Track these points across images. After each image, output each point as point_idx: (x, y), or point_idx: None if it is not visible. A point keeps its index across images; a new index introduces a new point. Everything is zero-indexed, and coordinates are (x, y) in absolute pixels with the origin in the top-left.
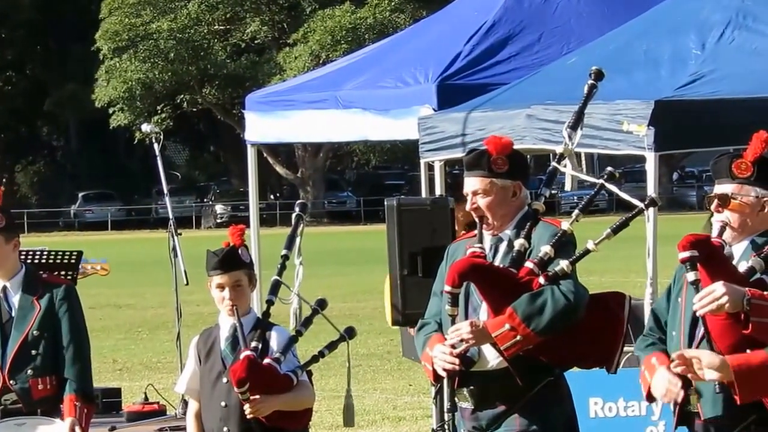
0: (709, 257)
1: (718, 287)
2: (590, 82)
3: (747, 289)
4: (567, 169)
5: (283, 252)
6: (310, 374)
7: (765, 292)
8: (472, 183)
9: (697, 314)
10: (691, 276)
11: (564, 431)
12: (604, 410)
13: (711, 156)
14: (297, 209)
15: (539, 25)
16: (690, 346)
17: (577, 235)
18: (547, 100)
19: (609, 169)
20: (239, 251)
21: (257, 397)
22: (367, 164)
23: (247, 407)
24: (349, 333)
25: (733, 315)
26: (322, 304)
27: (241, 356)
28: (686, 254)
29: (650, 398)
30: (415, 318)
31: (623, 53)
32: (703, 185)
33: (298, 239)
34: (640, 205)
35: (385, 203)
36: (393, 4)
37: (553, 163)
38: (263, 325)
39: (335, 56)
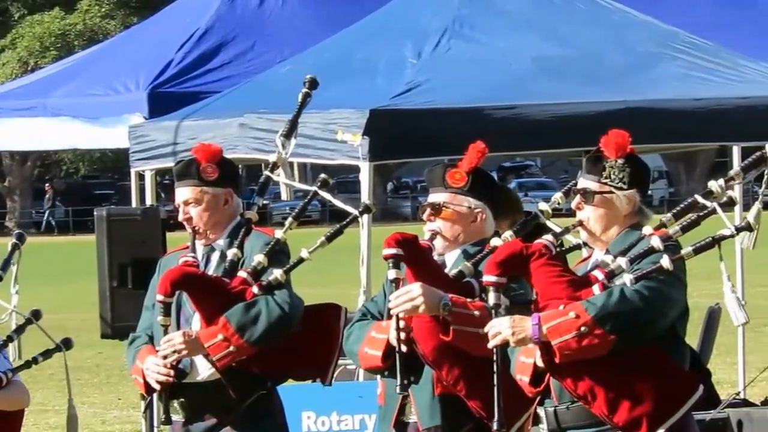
0: (415, 258)
1: (415, 288)
2: (304, 90)
3: (450, 295)
4: (280, 177)
5: None
6: None
7: (469, 300)
8: (183, 193)
9: (392, 313)
10: (391, 274)
11: None
12: (317, 424)
13: (426, 166)
14: (14, 238)
15: (253, 32)
16: None
17: (292, 247)
18: (260, 108)
19: (322, 176)
20: None
21: None
22: (76, 173)
23: None
24: (66, 343)
25: (437, 318)
26: (36, 314)
27: None
28: (391, 251)
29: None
30: (126, 331)
31: (339, 61)
32: (417, 196)
33: (14, 267)
34: (354, 212)
35: (95, 213)
36: (103, 10)
37: (266, 172)
38: None
39: (44, 63)
